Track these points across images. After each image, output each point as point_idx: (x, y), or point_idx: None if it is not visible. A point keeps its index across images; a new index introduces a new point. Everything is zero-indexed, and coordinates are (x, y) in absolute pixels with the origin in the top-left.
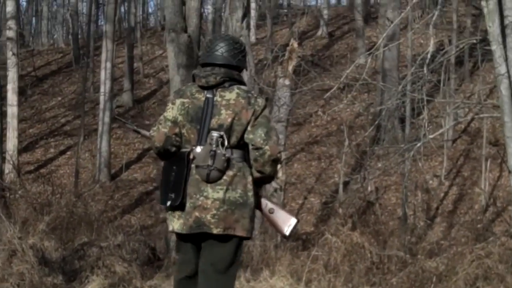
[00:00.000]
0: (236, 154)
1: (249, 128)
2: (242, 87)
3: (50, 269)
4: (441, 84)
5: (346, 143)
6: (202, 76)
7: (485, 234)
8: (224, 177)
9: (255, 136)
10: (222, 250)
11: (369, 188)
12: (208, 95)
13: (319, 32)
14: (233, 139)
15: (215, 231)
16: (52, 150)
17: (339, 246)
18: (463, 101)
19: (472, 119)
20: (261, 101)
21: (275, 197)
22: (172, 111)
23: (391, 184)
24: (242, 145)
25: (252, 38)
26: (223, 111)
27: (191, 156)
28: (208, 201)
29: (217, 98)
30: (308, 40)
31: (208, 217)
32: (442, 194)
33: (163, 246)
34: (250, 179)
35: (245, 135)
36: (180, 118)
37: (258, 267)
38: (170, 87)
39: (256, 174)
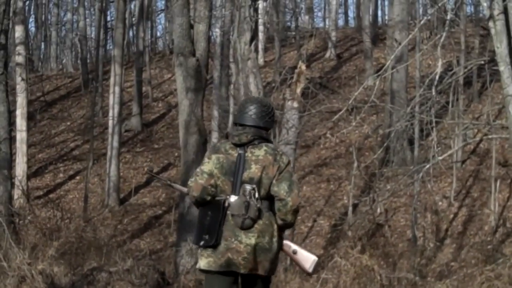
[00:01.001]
0: (265, 204)
1: (274, 182)
2: (270, 145)
3: None
4: (450, 105)
5: (355, 165)
6: (235, 135)
7: (495, 256)
8: (256, 225)
9: (279, 189)
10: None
11: (378, 210)
12: (240, 152)
13: (327, 54)
14: (262, 191)
15: (242, 271)
16: (61, 175)
17: (349, 269)
18: (471, 122)
19: (481, 140)
20: (285, 158)
21: None
22: (208, 165)
23: (401, 205)
24: (269, 196)
25: (260, 61)
26: (253, 166)
27: (226, 204)
28: (241, 245)
29: (248, 154)
30: (316, 62)
31: (240, 259)
32: (451, 216)
33: (172, 271)
34: (275, 226)
35: (271, 188)
36: (215, 171)
37: None
38: (178, 110)
39: (280, 222)
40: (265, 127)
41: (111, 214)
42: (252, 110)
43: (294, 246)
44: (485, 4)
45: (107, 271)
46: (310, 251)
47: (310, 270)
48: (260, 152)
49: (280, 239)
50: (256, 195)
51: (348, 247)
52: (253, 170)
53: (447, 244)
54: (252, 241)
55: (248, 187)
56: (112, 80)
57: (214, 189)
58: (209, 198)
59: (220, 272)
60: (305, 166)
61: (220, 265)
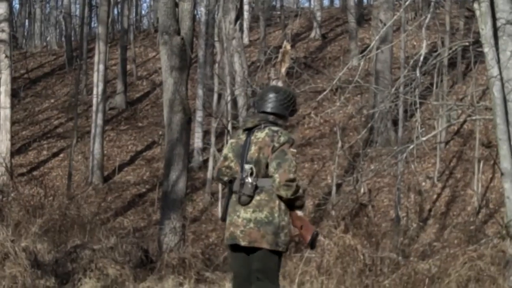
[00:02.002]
0: (267, 182)
1: (268, 161)
2: (274, 127)
3: (43, 272)
4: (434, 86)
5: (339, 145)
6: (243, 121)
7: (478, 236)
8: (253, 201)
9: (270, 167)
10: (255, 259)
11: (362, 190)
12: (248, 136)
13: (312, 34)
14: (261, 170)
15: (242, 243)
16: (45, 152)
17: (332, 248)
18: (455, 103)
19: (465, 121)
20: (283, 138)
21: None
22: (225, 149)
23: (384, 186)
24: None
25: (245, 40)
26: (252, 147)
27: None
28: (239, 219)
29: (252, 137)
30: (301, 42)
31: (238, 232)
32: (434, 196)
33: (155, 249)
34: (277, 202)
35: (268, 167)
36: (229, 154)
37: None
38: (163, 89)
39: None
40: (275, 113)
41: (94, 192)
42: (264, 97)
43: (300, 222)
44: None
45: (91, 249)
46: (313, 224)
47: (308, 241)
48: (261, 134)
49: (285, 214)
50: (254, 173)
51: (331, 227)
52: (252, 151)
53: (430, 224)
54: (248, 215)
55: (246, 166)
56: (96, 58)
57: (229, 170)
58: (225, 178)
59: (232, 246)
60: None
61: (227, 238)
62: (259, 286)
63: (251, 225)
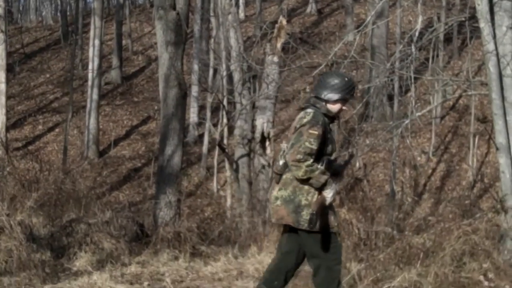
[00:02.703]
0: None
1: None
2: (308, 110)
3: (38, 246)
4: (430, 61)
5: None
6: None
7: (472, 210)
8: (281, 179)
9: (286, 148)
10: (300, 241)
11: (357, 165)
12: None
13: (308, 9)
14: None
15: (273, 220)
16: (40, 127)
17: None
18: (451, 78)
19: (460, 96)
20: (305, 120)
21: (263, 174)
22: None
23: (379, 160)
24: None
25: (241, 15)
26: (292, 128)
27: None
28: (272, 197)
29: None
30: (297, 17)
31: (270, 208)
32: (430, 171)
33: (151, 223)
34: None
35: None
36: None
37: (246, 243)
38: (158, 64)
39: None
40: (316, 96)
41: (90, 166)
42: (318, 81)
43: (315, 206)
44: None
45: (86, 223)
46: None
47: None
48: (298, 116)
49: (308, 193)
50: (284, 153)
51: None
52: (291, 131)
53: (425, 198)
54: (275, 192)
55: (283, 146)
56: (92, 33)
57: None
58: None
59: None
60: (285, 121)
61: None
62: (314, 283)
63: (278, 202)
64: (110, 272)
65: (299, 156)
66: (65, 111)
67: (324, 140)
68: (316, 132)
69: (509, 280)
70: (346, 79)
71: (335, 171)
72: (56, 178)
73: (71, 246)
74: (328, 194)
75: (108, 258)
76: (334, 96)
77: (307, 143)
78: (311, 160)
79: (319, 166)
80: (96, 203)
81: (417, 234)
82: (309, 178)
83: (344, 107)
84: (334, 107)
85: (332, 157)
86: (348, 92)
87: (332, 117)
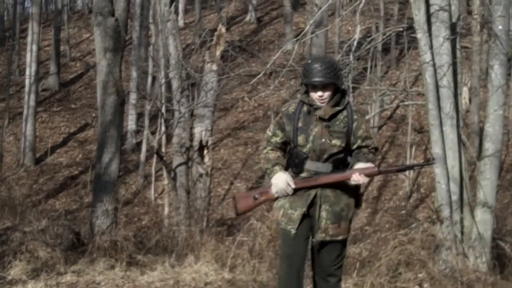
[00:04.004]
0: None
1: None
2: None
3: None
4: (368, 71)
5: None
6: None
7: (409, 220)
8: None
9: None
10: None
11: None
12: None
13: (248, 18)
14: None
15: None
16: None
17: (264, 232)
18: (388, 88)
19: (398, 106)
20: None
21: (201, 182)
22: None
23: None
24: None
25: (180, 23)
26: None
27: None
28: None
29: None
30: (237, 25)
31: None
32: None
33: (87, 231)
34: None
35: None
36: None
37: (183, 253)
38: (96, 71)
39: None
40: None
41: (26, 174)
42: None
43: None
44: None
45: (21, 231)
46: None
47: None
48: None
49: None
50: None
51: (264, 210)
52: None
53: (362, 208)
54: None
55: None
56: (29, 38)
57: None
58: None
59: None
60: (223, 129)
61: None
62: None
63: None
64: (45, 281)
65: (263, 145)
66: (1, 117)
67: (295, 129)
68: (276, 119)
69: None
70: (304, 62)
71: (296, 165)
72: None
73: (6, 255)
74: (273, 188)
75: (43, 267)
76: (303, 81)
77: (267, 131)
78: (268, 148)
79: (266, 152)
80: (31, 211)
81: (354, 244)
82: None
83: (318, 94)
84: (311, 94)
85: (306, 150)
86: (305, 76)
87: (312, 105)
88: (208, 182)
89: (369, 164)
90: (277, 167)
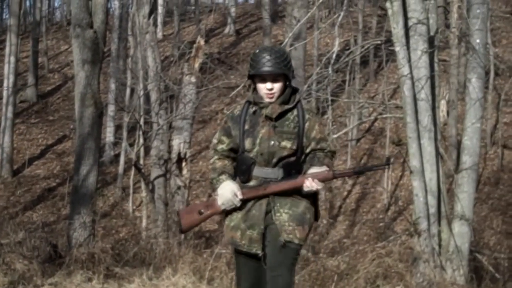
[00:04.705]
0: None
1: None
2: None
3: None
4: (346, 84)
5: None
6: None
7: (386, 233)
8: None
9: None
10: None
11: None
12: None
13: (227, 30)
14: None
15: None
16: None
17: None
18: (367, 101)
19: (376, 119)
20: None
21: (179, 195)
22: None
23: None
24: None
25: (159, 35)
26: None
27: None
28: None
29: None
30: (215, 37)
31: None
32: (345, 193)
33: (64, 244)
34: None
35: None
36: None
37: (161, 265)
38: (75, 82)
39: None
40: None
41: (3, 186)
42: None
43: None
44: None
45: None
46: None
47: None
48: None
49: None
50: None
51: None
52: None
53: (340, 221)
54: None
55: None
56: (7, 49)
57: None
58: None
59: None
60: (202, 141)
61: None
62: None
63: None
64: None
65: (210, 154)
66: None
67: (241, 133)
68: (222, 124)
69: None
70: (252, 52)
71: (243, 172)
72: None
73: None
74: (219, 199)
75: (20, 279)
76: (251, 72)
77: (213, 139)
78: (215, 157)
79: (212, 162)
80: (9, 223)
81: (332, 257)
82: None
83: (267, 86)
84: (259, 88)
85: (253, 155)
86: (252, 67)
87: (259, 103)
88: (186, 195)
89: (323, 168)
90: (223, 176)
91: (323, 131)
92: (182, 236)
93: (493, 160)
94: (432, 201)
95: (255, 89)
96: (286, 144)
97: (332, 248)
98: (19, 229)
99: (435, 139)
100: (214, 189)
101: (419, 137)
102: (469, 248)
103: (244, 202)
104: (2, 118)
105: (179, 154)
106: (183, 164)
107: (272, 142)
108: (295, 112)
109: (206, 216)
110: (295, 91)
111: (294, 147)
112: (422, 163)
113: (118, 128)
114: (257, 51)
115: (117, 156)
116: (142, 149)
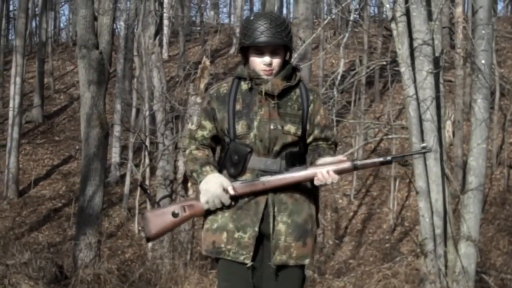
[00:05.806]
0: None
1: None
2: None
3: None
4: (352, 105)
5: None
6: None
7: (393, 254)
8: None
9: None
10: None
11: None
12: None
13: (232, 50)
14: None
15: None
16: None
17: None
18: (372, 121)
19: (381, 139)
20: None
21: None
22: None
23: None
24: None
25: (165, 55)
26: None
27: None
28: None
29: None
30: (221, 58)
31: None
32: (351, 214)
33: (70, 264)
34: None
35: None
36: None
37: (166, 286)
38: (80, 103)
39: None
40: None
41: (9, 206)
42: None
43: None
44: (387, 6)
45: (4, 264)
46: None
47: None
48: None
49: None
50: None
51: None
52: None
53: (346, 241)
54: None
55: None
56: (13, 70)
57: None
58: None
59: None
60: None
61: None
62: None
63: None
64: None
65: (185, 144)
66: None
67: (231, 115)
68: (203, 106)
69: None
70: (244, 19)
71: (235, 164)
72: None
73: None
74: (202, 196)
75: None
76: (244, 43)
77: (189, 124)
78: (192, 146)
79: (189, 152)
80: (14, 244)
81: (338, 278)
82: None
83: (265, 60)
84: (254, 62)
85: (249, 142)
86: (245, 37)
87: (255, 78)
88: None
89: (339, 157)
90: (207, 168)
91: (327, 117)
92: (188, 256)
93: (499, 181)
94: (438, 222)
95: (245, 65)
96: (290, 128)
97: (338, 269)
98: (25, 249)
99: (441, 160)
100: (194, 184)
101: (424, 158)
102: (476, 269)
103: (235, 200)
104: (8, 138)
105: (184, 174)
106: (189, 184)
107: (273, 126)
108: (297, 91)
109: (182, 218)
110: (296, 68)
111: (299, 133)
112: (428, 184)
113: (123, 148)
114: (252, 17)
115: (122, 176)
116: (147, 170)
